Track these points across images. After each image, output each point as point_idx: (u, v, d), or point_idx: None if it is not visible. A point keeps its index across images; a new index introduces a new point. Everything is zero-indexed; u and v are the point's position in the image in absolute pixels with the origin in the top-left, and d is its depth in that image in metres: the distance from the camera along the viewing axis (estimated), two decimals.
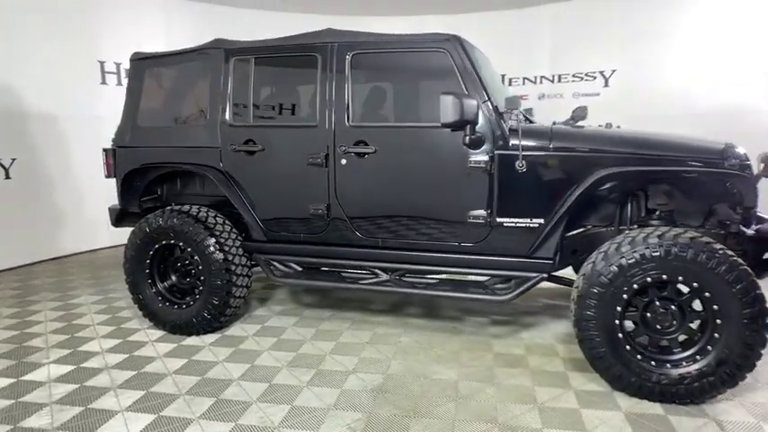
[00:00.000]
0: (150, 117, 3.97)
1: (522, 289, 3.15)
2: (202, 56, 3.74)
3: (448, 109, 2.92)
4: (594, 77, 7.14)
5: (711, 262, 2.58)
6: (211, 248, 3.58)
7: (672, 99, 6.36)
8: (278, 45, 3.55)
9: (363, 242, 3.46)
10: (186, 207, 3.74)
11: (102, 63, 6.41)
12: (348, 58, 3.35)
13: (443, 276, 3.50)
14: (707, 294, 2.62)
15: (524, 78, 7.55)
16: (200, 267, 3.65)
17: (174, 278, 3.88)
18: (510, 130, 3.08)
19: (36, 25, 5.69)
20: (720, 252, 2.58)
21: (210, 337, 3.73)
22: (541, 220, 3.08)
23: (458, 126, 2.99)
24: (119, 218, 4.19)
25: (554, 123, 3.28)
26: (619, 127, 3.43)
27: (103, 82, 6.45)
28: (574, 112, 3.57)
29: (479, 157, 3.11)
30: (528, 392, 2.91)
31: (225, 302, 3.65)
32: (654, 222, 3.11)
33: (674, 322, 2.76)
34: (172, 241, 3.71)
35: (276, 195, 3.61)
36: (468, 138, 3.04)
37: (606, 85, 7.06)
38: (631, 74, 6.78)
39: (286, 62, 3.65)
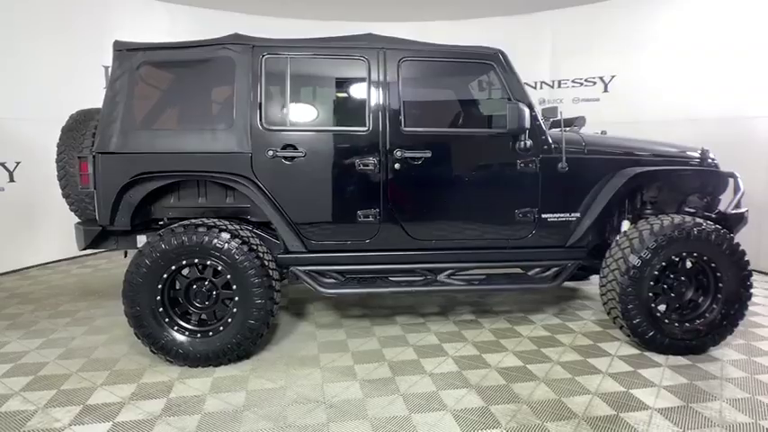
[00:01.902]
0: (149, 119, 3.37)
1: (564, 276, 3.59)
2: (221, 51, 3.33)
3: (515, 117, 3.20)
4: (594, 83, 7.18)
5: (717, 240, 3.33)
6: (252, 265, 3.23)
7: (670, 104, 6.31)
8: (319, 45, 3.38)
9: (415, 245, 3.51)
10: (210, 221, 3.29)
11: (106, 68, 6.24)
12: (398, 64, 3.38)
13: (487, 272, 3.73)
14: (713, 265, 3.37)
15: (524, 84, 7.75)
16: (235, 287, 3.25)
17: (191, 303, 3.36)
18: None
19: (42, 32, 5.78)
20: (723, 232, 3.35)
21: (244, 365, 3.34)
22: (578, 214, 3.55)
23: (518, 132, 3.29)
24: (98, 238, 3.45)
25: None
26: (605, 133, 4.09)
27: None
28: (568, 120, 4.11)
29: (528, 158, 3.45)
30: (588, 365, 3.33)
31: (266, 323, 3.32)
32: (648, 212, 3.82)
33: (687, 290, 3.46)
34: (195, 260, 3.23)
35: (320, 203, 3.42)
36: (523, 143, 3.36)
37: (606, 90, 7.09)
38: (631, 79, 6.79)
39: (325, 63, 3.47)
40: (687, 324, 3.44)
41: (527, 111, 3.24)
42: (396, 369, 3.28)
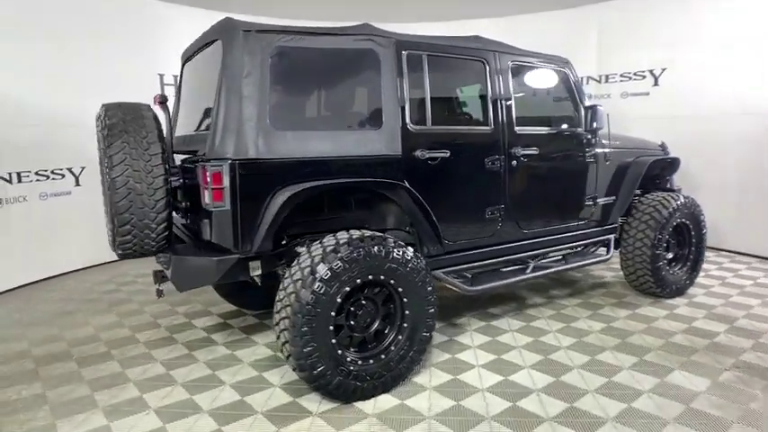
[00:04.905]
0: (290, 117, 2.78)
1: (613, 247, 4.37)
2: (365, 42, 2.98)
3: (597, 117, 3.83)
4: (644, 76, 6.82)
5: (693, 208, 4.59)
6: (426, 274, 3.03)
7: (725, 98, 6.04)
8: (449, 45, 3.33)
9: (523, 236, 3.79)
10: (367, 233, 2.93)
11: (161, 76, 6.70)
12: (509, 66, 3.59)
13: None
14: (690, 226, 4.63)
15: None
16: (405, 300, 2.98)
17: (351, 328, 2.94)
18: None
19: (102, 43, 6.05)
20: (695, 202, 4.62)
21: (409, 385, 3.11)
22: (614, 197, 4.37)
23: (596, 130, 3.92)
24: (230, 272, 2.69)
25: None
26: None
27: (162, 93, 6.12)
28: None
29: (591, 153, 4.10)
30: (642, 316, 4.17)
31: (433, 330, 3.16)
32: None
33: (675, 248, 4.67)
34: (370, 276, 2.84)
35: (460, 202, 3.40)
36: (593, 139, 4.00)
37: (656, 84, 6.72)
38: (683, 73, 6.46)
39: (452, 63, 3.40)
40: (679, 273, 4.64)
41: (603, 112, 3.88)
42: (540, 350, 3.54)
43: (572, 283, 5.12)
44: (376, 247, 2.81)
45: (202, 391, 3.09)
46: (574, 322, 4.07)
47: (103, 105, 2.92)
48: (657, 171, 4.99)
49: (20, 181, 5.46)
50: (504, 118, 3.57)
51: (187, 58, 3.66)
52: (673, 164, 4.95)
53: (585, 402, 2.86)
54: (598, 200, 4.26)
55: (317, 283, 2.64)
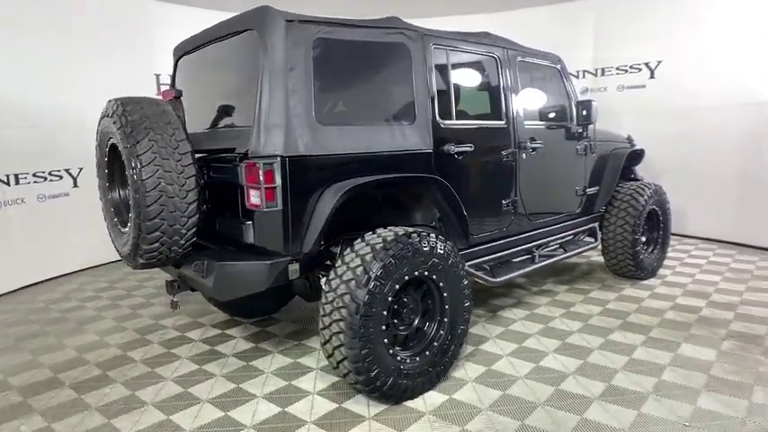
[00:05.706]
0: (333, 111, 2.66)
1: (598, 236, 4.62)
2: (396, 35, 2.92)
3: (595, 112, 4.04)
4: (640, 69, 6.87)
5: (664, 197, 4.99)
6: (463, 268, 3.04)
7: (723, 89, 6.04)
8: (466, 40, 3.34)
9: (530, 226, 3.91)
10: (410, 229, 2.88)
11: (157, 76, 6.63)
12: (517, 63, 3.69)
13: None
14: (660, 214, 5.03)
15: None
16: (446, 294, 2.97)
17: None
18: None
19: (100, 44, 6.02)
20: (664, 191, 5.01)
21: (453, 382, 3.11)
22: (598, 187, 4.64)
23: (589, 124, 4.14)
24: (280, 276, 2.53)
25: None
26: None
27: (159, 93, 6.39)
28: None
29: (581, 146, 4.32)
30: (628, 296, 4.50)
31: (469, 323, 3.17)
32: None
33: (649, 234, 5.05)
34: (416, 273, 2.80)
35: (482, 196, 3.46)
36: (585, 132, 4.22)
37: (652, 76, 6.78)
38: (679, 64, 6.50)
39: (470, 58, 3.42)
40: (653, 255, 5.03)
41: (596, 107, 4.10)
42: (555, 335, 3.68)
43: (555, 271, 5.36)
44: (422, 243, 2.78)
45: (235, 406, 2.88)
46: (572, 307, 4.27)
47: (117, 100, 2.63)
48: (627, 162, 5.36)
49: (17, 183, 5.41)
50: (515, 113, 3.67)
51: (185, 52, 3.40)
52: (640, 155, 5.34)
53: (620, 380, 3.01)
54: (587, 190, 4.50)
55: (373, 282, 2.56)
